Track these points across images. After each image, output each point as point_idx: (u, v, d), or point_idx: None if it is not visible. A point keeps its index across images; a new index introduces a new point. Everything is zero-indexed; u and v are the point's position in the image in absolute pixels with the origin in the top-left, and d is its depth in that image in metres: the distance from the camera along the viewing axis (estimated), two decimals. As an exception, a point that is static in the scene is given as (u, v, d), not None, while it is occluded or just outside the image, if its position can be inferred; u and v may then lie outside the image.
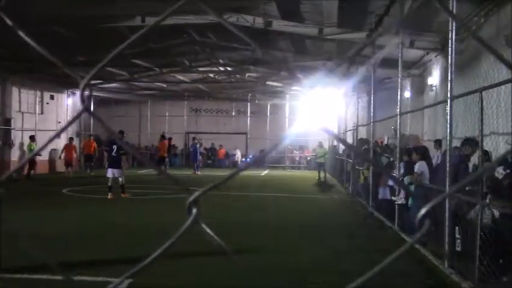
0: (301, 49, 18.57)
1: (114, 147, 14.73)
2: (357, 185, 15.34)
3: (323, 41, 16.16)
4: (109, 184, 14.54)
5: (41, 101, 24.55)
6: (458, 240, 6.61)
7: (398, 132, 10.56)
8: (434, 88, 16.18)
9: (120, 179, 14.63)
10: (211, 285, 6.09)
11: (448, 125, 6.80)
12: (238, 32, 0.97)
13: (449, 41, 6.76)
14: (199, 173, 25.91)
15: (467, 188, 6.43)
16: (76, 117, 1.13)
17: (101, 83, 26.55)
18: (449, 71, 6.77)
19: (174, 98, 33.20)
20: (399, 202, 9.82)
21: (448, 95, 6.77)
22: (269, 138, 31.24)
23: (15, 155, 21.94)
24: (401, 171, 9.97)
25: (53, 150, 24.67)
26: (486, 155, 6.96)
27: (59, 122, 25.42)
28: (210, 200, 14.54)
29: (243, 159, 31.36)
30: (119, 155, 14.73)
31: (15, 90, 22.60)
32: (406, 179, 9.38)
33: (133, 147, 16.45)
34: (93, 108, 29.49)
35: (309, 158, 31.67)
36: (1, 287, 5.83)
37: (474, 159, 7.93)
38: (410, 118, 17.38)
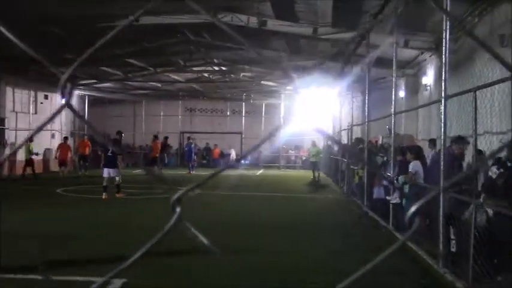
0: (296, 49, 18.58)
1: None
2: (352, 184, 15.37)
3: (317, 41, 16.18)
4: (104, 184, 14.49)
5: (35, 101, 24.44)
6: (453, 241, 6.62)
7: (392, 132, 10.57)
8: (428, 88, 16.23)
9: (117, 179, 14.59)
10: (207, 285, 6.07)
11: (442, 125, 6.81)
12: (231, 31, 0.96)
13: (444, 40, 6.78)
14: (194, 172, 25.88)
15: (463, 188, 6.46)
16: (56, 113, 1.11)
17: (95, 83, 26.49)
18: (443, 70, 6.78)
19: (169, 97, 33.14)
20: (394, 201, 9.84)
21: (442, 95, 6.78)
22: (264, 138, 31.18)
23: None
24: (396, 170, 9.99)
25: (47, 150, 24.58)
26: (480, 154, 6.98)
27: (53, 122, 25.30)
28: (205, 200, 14.54)
29: (244, 160, 31.00)
30: (114, 154, 14.68)
31: (9, 90, 22.51)
32: (401, 179, 9.40)
33: (122, 147, 16.32)
34: (88, 107, 29.52)
35: (304, 158, 31.70)
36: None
37: (468, 158, 7.95)
38: (404, 118, 17.42)
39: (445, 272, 6.37)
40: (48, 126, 24.11)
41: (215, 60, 22.40)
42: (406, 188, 9.26)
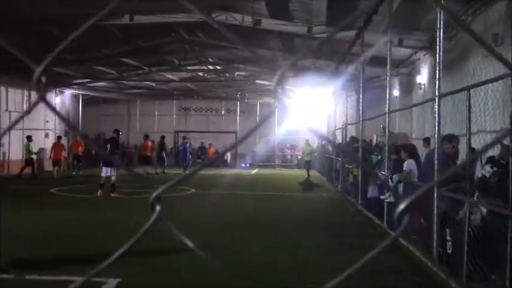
0: (290, 48, 18.59)
1: (109, 146, 14.85)
2: (346, 183, 15.40)
3: (312, 40, 16.18)
4: (101, 182, 14.52)
5: (29, 100, 24.33)
6: (449, 243, 6.65)
7: (387, 131, 10.60)
8: (422, 86, 16.28)
9: (113, 178, 14.56)
10: (201, 283, 6.07)
11: (436, 123, 6.83)
12: (225, 30, 0.96)
13: (437, 39, 6.80)
14: (188, 171, 25.82)
15: (457, 186, 6.48)
16: (31, 108, 1.09)
17: (89, 82, 26.40)
18: (437, 69, 6.81)
19: (163, 96, 33.08)
20: (388, 200, 9.86)
21: (436, 93, 6.81)
22: (259, 137, 31.22)
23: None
24: (390, 169, 10.02)
25: (42, 149, 24.48)
26: (474, 153, 7.01)
27: (47, 121, 25.22)
28: (201, 200, 14.50)
29: (244, 164, 30.64)
30: (112, 153, 14.73)
31: (2, 89, 22.41)
32: (395, 177, 9.43)
33: (120, 145, 16.40)
34: (82, 107, 29.40)
35: (300, 157, 31.74)
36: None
37: (462, 156, 7.98)
38: (399, 116, 17.46)
39: (439, 269, 6.39)
40: (41, 126, 24.04)
41: (210, 59, 22.39)
42: (401, 187, 9.29)
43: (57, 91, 26.84)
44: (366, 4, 11.86)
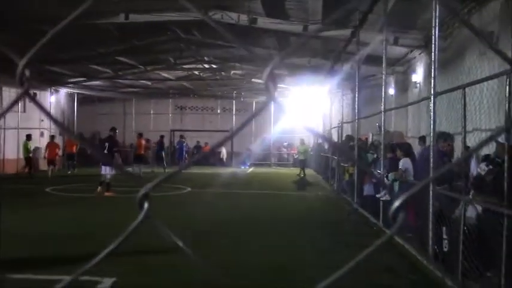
0: (286, 46, 18.58)
1: (107, 144, 14.89)
2: (342, 181, 15.41)
3: (308, 38, 16.18)
4: (102, 180, 14.67)
5: (24, 99, 24.22)
6: (446, 241, 6.66)
7: (382, 129, 10.61)
8: (418, 85, 16.31)
9: (108, 177, 14.56)
10: (196, 283, 6.06)
11: (432, 122, 6.85)
12: (222, 29, 0.95)
13: (433, 38, 6.81)
14: (184, 171, 25.79)
15: (453, 184, 6.50)
16: (15, 102, 1.08)
17: (85, 81, 26.33)
18: (432, 67, 6.82)
19: (159, 95, 33.02)
20: (384, 198, 9.88)
21: (432, 92, 6.82)
22: (255, 136, 31.22)
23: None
24: (386, 167, 10.03)
25: (37, 149, 24.39)
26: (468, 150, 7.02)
27: (42, 120, 25.12)
28: (197, 198, 14.47)
29: (243, 165, 30.44)
30: (110, 152, 14.76)
31: (-3, 88, 22.33)
32: (391, 176, 9.44)
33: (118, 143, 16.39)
34: (77, 106, 29.30)
35: (296, 156, 31.77)
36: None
37: (457, 154, 8.00)
38: (394, 115, 17.50)
39: (434, 267, 6.41)
40: (37, 125, 23.95)
41: (205, 58, 22.36)
42: (396, 185, 9.30)
43: (52, 90, 26.75)
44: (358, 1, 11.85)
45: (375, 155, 12.51)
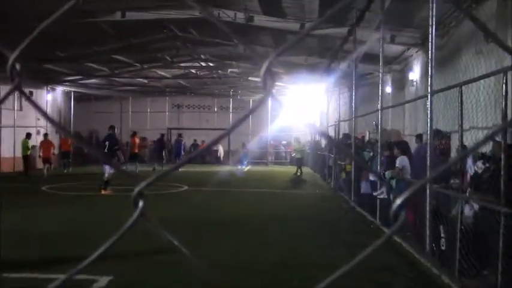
0: (283, 44, 18.55)
1: (107, 143, 14.90)
2: (339, 180, 15.43)
3: (304, 36, 16.16)
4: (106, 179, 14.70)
5: (20, 97, 24.15)
6: (443, 240, 6.67)
7: (379, 127, 10.62)
8: (415, 83, 16.32)
9: (106, 175, 14.53)
10: (192, 281, 6.06)
11: (429, 120, 6.86)
12: (223, 26, 0.94)
13: (430, 36, 6.82)
14: (181, 169, 25.80)
15: (451, 182, 6.50)
16: (4, 97, 1.06)
17: (81, 79, 26.26)
18: (429, 66, 6.82)
19: (156, 93, 32.95)
20: (381, 197, 9.89)
21: (429, 90, 6.83)
22: (251, 134, 31.21)
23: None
24: (383, 165, 10.04)
25: (33, 147, 24.32)
26: (465, 149, 7.03)
27: (38, 119, 25.04)
28: (193, 197, 14.44)
29: (241, 164, 30.23)
30: (111, 151, 14.80)
31: (-8, 86, 22.24)
32: (388, 174, 9.45)
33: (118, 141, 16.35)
34: (73, 104, 29.23)
35: (293, 154, 31.77)
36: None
37: (454, 153, 8.01)
38: (391, 113, 17.51)
39: (431, 265, 6.42)
40: (33, 123, 23.87)
41: (202, 56, 22.33)
42: (393, 183, 9.32)
43: (48, 88, 26.67)
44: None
45: (371, 153, 12.52)
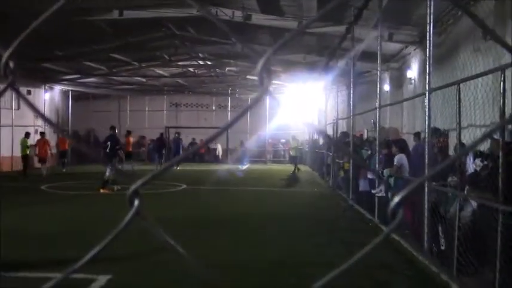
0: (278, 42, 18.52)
1: (109, 143, 15.05)
2: (337, 178, 15.43)
3: (303, 35, 16.16)
4: (112, 178, 14.79)
5: (18, 96, 24.06)
6: (442, 239, 6.68)
7: (377, 125, 10.63)
8: (413, 81, 16.33)
9: (107, 174, 14.62)
10: (190, 280, 6.06)
11: (427, 118, 6.86)
12: (221, 24, 0.94)
13: (428, 34, 6.82)
14: (179, 168, 25.80)
15: (449, 180, 6.51)
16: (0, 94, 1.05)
17: (79, 78, 26.22)
18: (427, 63, 6.83)
19: (154, 92, 32.94)
20: (379, 194, 9.90)
21: (427, 88, 6.83)
22: (250, 133, 31.20)
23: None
24: (382, 163, 10.05)
25: (31, 146, 24.27)
26: (463, 147, 7.04)
27: (36, 118, 25.00)
28: (191, 196, 14.41)
29: (240, 163, 30.07)
30: (113, 150, 14.95)
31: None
32: (386, 172, 9.46)
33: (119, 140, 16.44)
34: (71, 103, 29.18)
35: (291, 153, 31.74)
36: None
37: (451, 150, 8.01)
38: (389, 111, 17.52)
39: (429, 263, 6.43)
40: (31, 123, 23.83)
41: (200, 55, 22.30)
42: (392, 181, 9.32)
43: (46, 87, 26.63)
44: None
45: (369, 152, 12.53)
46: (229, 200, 13.75)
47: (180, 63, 23.83)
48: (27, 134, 21.55)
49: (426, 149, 6.78)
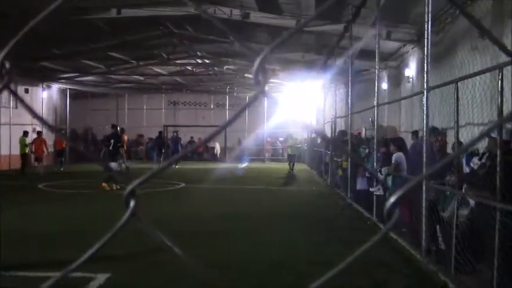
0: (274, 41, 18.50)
1: (112, 141, 15.23)
2: (336, 176, 15.43)
3: (301, 33, 16.16)
4: (112, 176, 14.85)
5: (16, 95, 24.01)
6: (440, 238, 6.69)
7: (375, 124, 10.63)
8: (411, 80, 16.34)
9: (114, 170, 14.75)
10: (188, 279, 6.06)
11: (425, 116, 6.86)
12: (218, 22, 0.94)
13: (426, 32, 6.82)
14: (177, 166, 25.80)
15: (447, 179, 6.52)
16: None
17: (77, 76, 26.18)
18: (425, 62, 6.83)
19: (152, 91, 32.91)
20: (377, 193, 9.90)
21: (425, 86, 6.83)
22: (248, 131, 31.19)
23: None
24: (380, 162, 10.05)
25: (30, 145, 24.23)
26: (461, 145, 7.05)
27: (34, 117, 24.92)
28: (188, 194, 14.35)
29: (241, 162, 29.89)
30: (115, 148, 15.15)
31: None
32: (384, 170, 9.47)
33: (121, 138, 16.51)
34: (69, 102, 29.13)
35: (289, 151, 31.71)
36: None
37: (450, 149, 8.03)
38: (387, 110, 17.52)
39: (427, 261, 6.44)
40: (29, 121, 23.78)
41: (198, 53, 22.29)
42: (390, 180, 9.33)
43: (44, 85, 26.58)
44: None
45: (367, 150, 12.53)
46: (227, 199, 13.74)
47: (178, 61, 23.81)
48: (26, 133, 21.52)
49: (424, 148, 6.79)
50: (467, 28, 10.68)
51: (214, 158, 31.57)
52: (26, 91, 24.95)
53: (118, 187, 14.48)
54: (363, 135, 18.26)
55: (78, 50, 19.74)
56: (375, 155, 10.36)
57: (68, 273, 0.86)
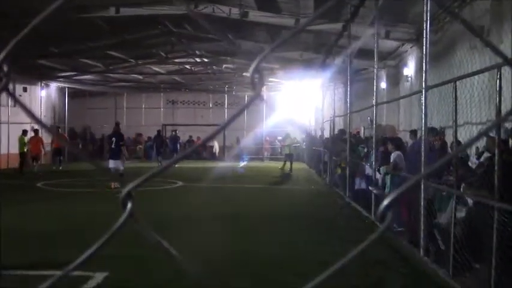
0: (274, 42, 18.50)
1: (114, 139, 15.27)
2: (334, 175, 15.44)
3: (295, 34, 16.15)
4: (113, 173, 15.11)
5: (14, 93, 23.97)
6: (439, 241, 6.69)
7: (374, 123, 10.64)
8: (409, 79, 16.36)
9: (121, 168, 15.05)
10: (188, 280, 6.06)
11: (423, 115, 6.87)
12: (207, 24, 0.94)
13: (424, 31, 6.82)
14: (176, 165, 25.80)
15: (445, 179, 6.53)
16: None
17: (76, 75, 26.15)
18: (424, 61, 6.83)
19: (151, 89, 32.88)
20: (376, 192, 9.90)
21: (423, 85, 6.84)
22: (247, 130, 31.18)
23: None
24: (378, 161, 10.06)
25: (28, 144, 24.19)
26: (460, 145, 7.05)
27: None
28: (186, 192, 14.32)
29: (241, 160, 29.85)
30: (118, 146, 15.22)
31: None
32: (382, 169, 9.47)
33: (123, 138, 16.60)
34: (68, 100, 29.09)
35: (286, 150, 31.69)
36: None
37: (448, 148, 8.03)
38: (386, 109, 17.55)
39: (425, 261, 6.45)
40: (27, 120, 23.72)
41: (197, 52, 22.28)
42: (388, 179, 9.34)
43: (42, 84, 26.54)
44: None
45: (366, 149, 12.55)
46: (225, 198, 13.73)
47: (176, 60, 23.80)
48: (25, 132, 21.46)
49: (422, 147, 6.80)
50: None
51: (212, 156, 31.54)
52: (25, 90, 24.91)
53: (117, 186, 14.48)
54: (361, 134, 18.28)
55: (77, 49, 19.72)
56: (373, 154, 10.36)
57: (66, 273, 0.86)
